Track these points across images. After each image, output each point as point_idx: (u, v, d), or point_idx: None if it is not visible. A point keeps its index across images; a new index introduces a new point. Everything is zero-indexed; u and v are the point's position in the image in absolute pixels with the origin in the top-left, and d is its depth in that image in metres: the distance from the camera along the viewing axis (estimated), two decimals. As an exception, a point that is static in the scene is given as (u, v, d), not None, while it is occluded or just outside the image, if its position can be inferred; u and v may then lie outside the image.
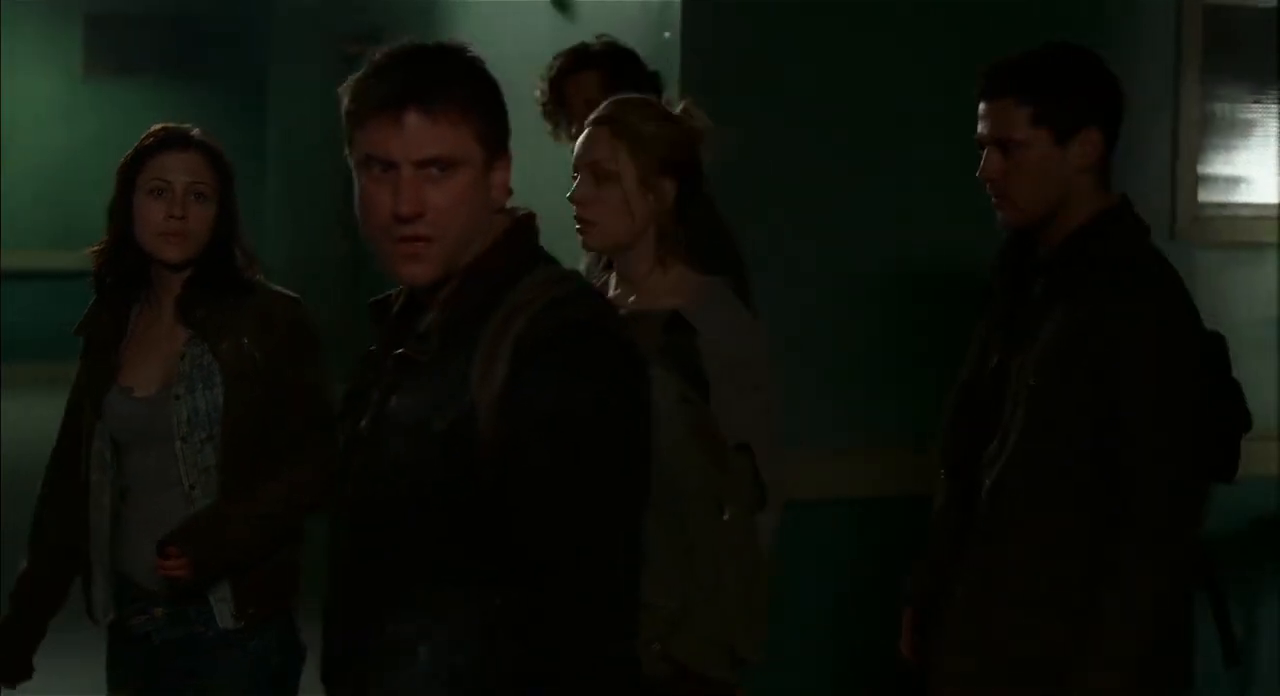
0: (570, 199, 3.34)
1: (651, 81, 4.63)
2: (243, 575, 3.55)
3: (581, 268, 3.63)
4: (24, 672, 3.76)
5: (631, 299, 3.35)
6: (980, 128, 3.24)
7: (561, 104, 4.56)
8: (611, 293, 3.42)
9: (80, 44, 14.03)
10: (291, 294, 3.72)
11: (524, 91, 5.94)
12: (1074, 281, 3.18)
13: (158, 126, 3.67)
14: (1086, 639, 3.10)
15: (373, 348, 2.56)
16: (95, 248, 3.69)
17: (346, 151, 2.40)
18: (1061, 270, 3.21)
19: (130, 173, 3.59)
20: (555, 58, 4.62)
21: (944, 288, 5.15)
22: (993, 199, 3.25)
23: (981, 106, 3.24)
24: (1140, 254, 3.22)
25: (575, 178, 3.37)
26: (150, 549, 3.46)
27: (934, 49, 5.18)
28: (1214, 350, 3.27)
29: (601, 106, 3.42)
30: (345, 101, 2.39)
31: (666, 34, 5.14)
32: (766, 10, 5.11)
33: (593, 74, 4.54)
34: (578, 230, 3.37)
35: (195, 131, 3.64)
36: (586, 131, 3.38)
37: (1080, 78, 3.23)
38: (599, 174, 3.32)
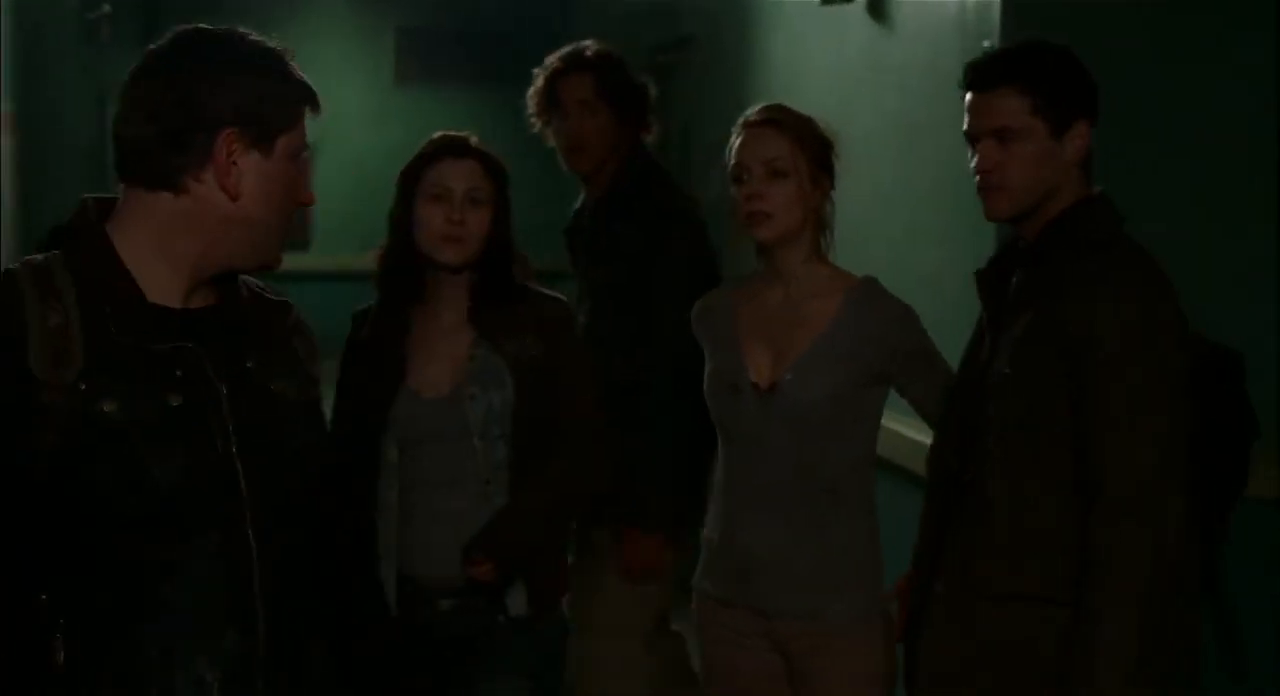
0: (743, 195, 3.58)
1: (642, 90, 4.76)
2: (533, 564, 3.71)
3: (735, 262, 3.80)
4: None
5: (780, 293, 3.63)
6: (973, 120, 3.23)
7: (554, 104, 4.70)
8: (760, 284, 3.67)
9: (392, 54, 14.31)
10: (559, 295, 3.86)
11: (838, 99, 5.88)
12: (1048, 269, 3.16)
13: (437, 134, 3.82)
14: (1078, 635, 3.04)
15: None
16: (377, 251, 3.82)
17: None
18: (1037, 259, 3.19)
19: (411, 179, 3.76)
20: (550, 59, 4.79)
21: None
22: (982, 191, 3.24)
23: (973, 98, 3.23)
24: (1114, 240, 3.17)
25: (738, 176, 3.59)
26: (439, 544, 3.65)
27: (1253, 49, 5.00)
28: (1226, 364, 3.23)
29: (757, 109, 3.66)
30: None
31: (986, 42, 5.05)
32: (1087, 15, 4.97)
33: (587, 76, 4.69)
34: (747, 222, 3.58)
35: (473, 139, 3.79)
36: (751, 130, 3.61)
37: (1072, 71, 3.23)
38: (773, 170, 3.57)
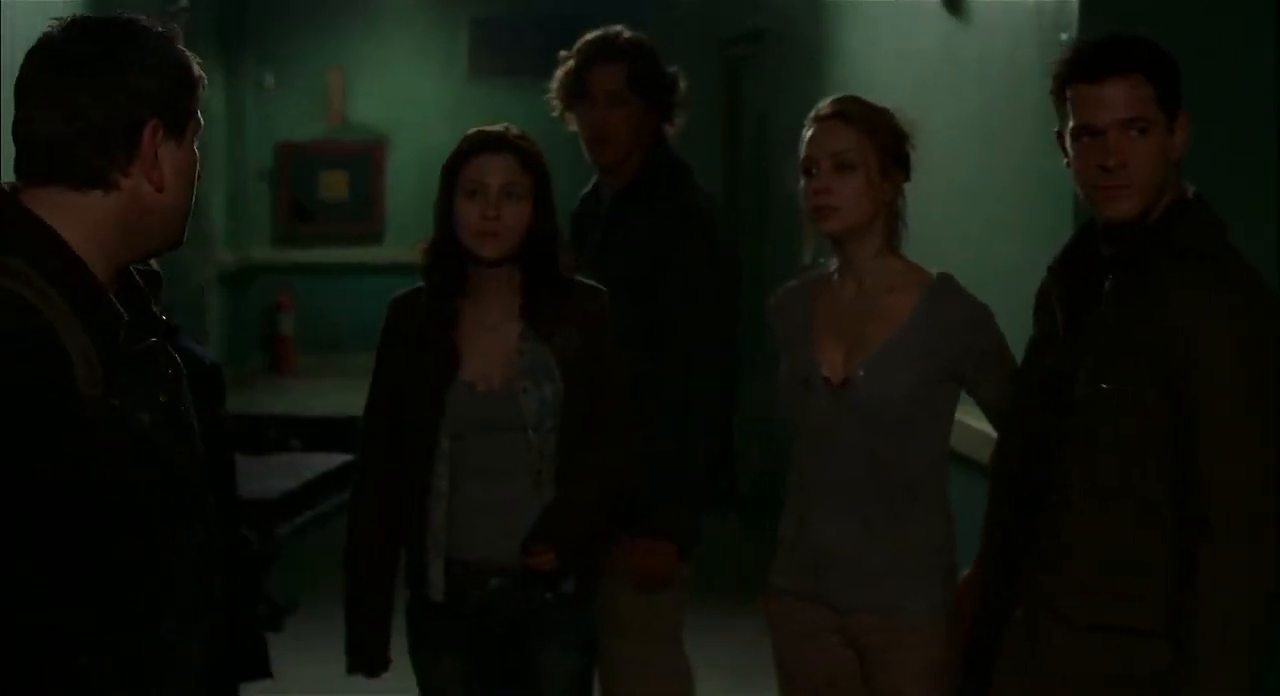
0: (812, 188, 3.57)
1: (672, 80, 4.64)
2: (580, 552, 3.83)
3: (807, 256, 3.74)
4: (381, 656, 3.92)
5: (854, 288, 3.62)
6: (1099, 109, 3.01)
7: (582, 92, 4.56)
8: (834, 280, 3.66)
9: (466, 46, 14.34)
10: (597, 285, 3.90)
11: (913, 93, 5.86)
12: (1147, 279, 3.00)
13: (473, 130, 3.86)
14: (1180, 664, 2.92)
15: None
16: (424, 245, 3.87)
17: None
18: (1133, 266, 3.02)
19: (450, 174, 3.79)
20: (580, 45, 4.63)
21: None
22: (1102, 189, 3.03)
23: (1090, 87, 3.01)
24: (1220, 251, 3.01)
25: (807, 169, 3.58)
26: (489, 530, 3.75)
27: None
28: None
29: (828, 102, 3.63)
30: None
31: (1064, 35, 5.01)
32: (1165, 10, 4.93)
33: (618, 66, 4.56)
34: (815, 215, 3.58)
35: (511, 133, 3.81)
36: (821, 124, 3.59)
37: (1173, 60, 3.07)
38: (841, 163, 3.55)
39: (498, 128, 3.84)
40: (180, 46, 2.30)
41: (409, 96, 14.41)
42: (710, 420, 4.42)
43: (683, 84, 4.68)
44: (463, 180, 3.76)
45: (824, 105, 3.65)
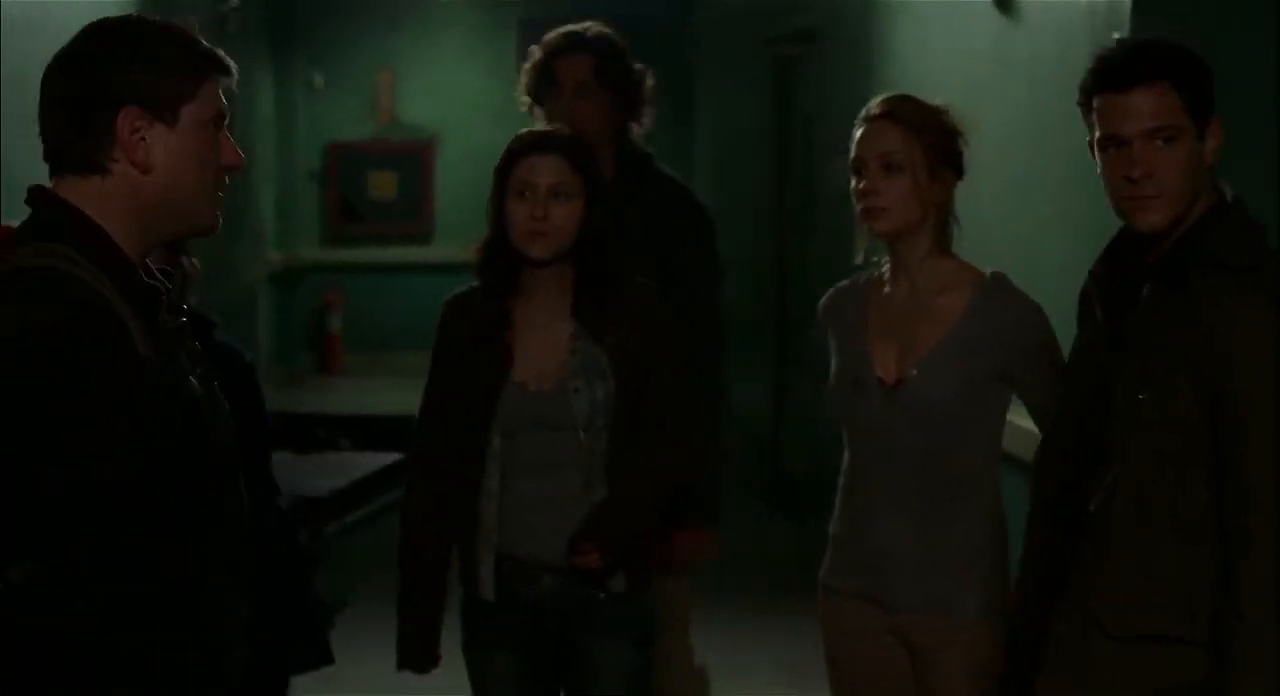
0: (858, 190, 3.57)
1: (639, 76, 4.62)
2: (632, 550, 3.82)
3: (859, 256, 3.74)
4: (431, 653, 3.93)
5: (906, 288, 3.61)
6: (1125, 119, 2.98)
7: (550, 83, 4.56)
8: (886, 279, 3.66)
9: (514, 46, 14.36)
10: (650, 284, 3.91)
11: (964, 93, 5.84)
12: (1186, 287, 2.95)
13: (523, 130, 3.88)
14: (1217, 680, 2.90)
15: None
16: (476, 245, 3.87)
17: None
18: (1173, 274, 2.98)
19: (502, 175, 3.80)
20: (547, 37, 4.63)
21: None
22: (1132, 200, 3.00)
23: (1117, 97, 2.98)
24: (1260, 259, 2.97)
25: (856, 169, 3.58)
26: (540, 528, 3.75)
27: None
28: None
29: (877, 101, 3.63)
30: None
31: (1115, 35, 4.99)
32: (1218, 9, 4.91)
33: (586, 57, 4.55)
34: (864, 216, 3.59)
35: (560, 132, 3.84)
36: (869, 124, 3.59)
37: (1205, 66, 3.02)
38: (889, 164, 3.54)
39: (547, 128, 3.86)
40: (190, 39, 2.43)
41: (458, 96, 14.44)
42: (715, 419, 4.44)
43: (649, 82, 4.67)
44: (512, 181, 3.77)
45: (874, 105, 3.64)
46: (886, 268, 3.69)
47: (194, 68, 2.42)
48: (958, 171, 3.63)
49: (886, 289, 3.68)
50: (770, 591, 7.73)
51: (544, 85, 4.60)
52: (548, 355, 3.79)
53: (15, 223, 2.43)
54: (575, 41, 4.61)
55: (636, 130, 4.66)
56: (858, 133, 3.63)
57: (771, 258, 9.81)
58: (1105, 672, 3.06)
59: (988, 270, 3.66)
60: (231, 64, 2.48)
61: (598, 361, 3.78)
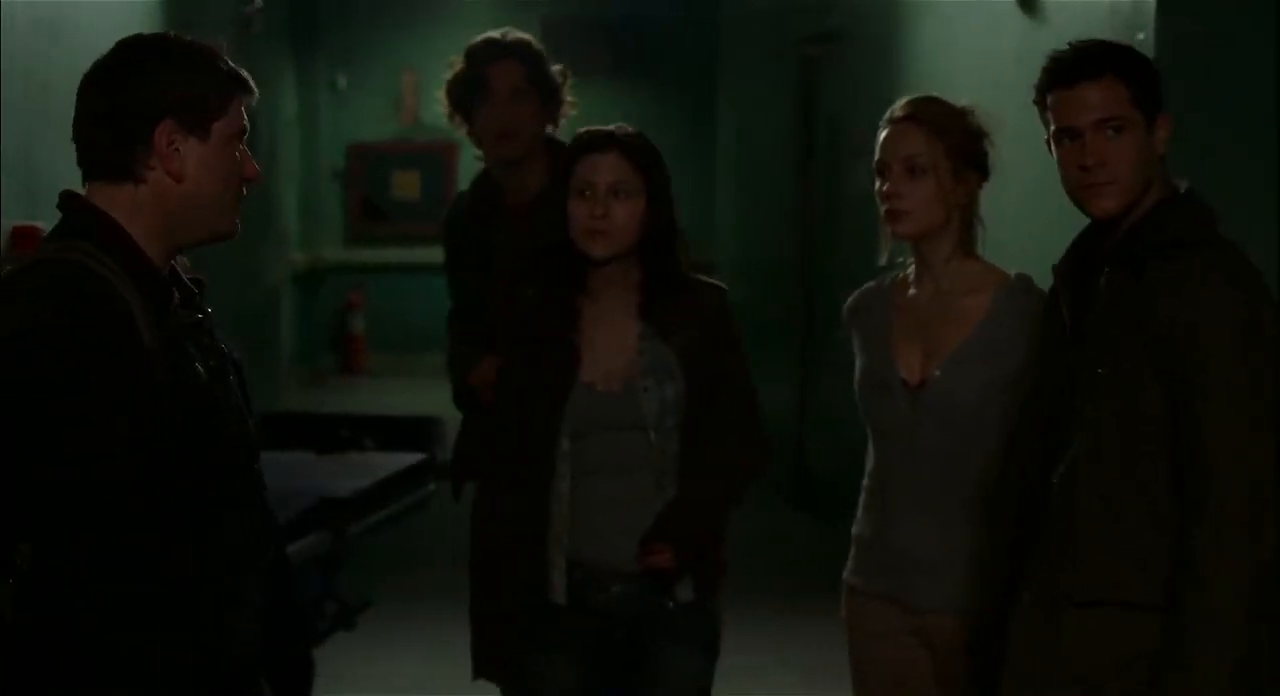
0: (882, 192, 3.58)
1: (560, 77, 4.70)
2: (700, 552, 3.79)
3: (884, 258, 3.74)
4: (510, 659, 3.92)
5: (930, 289, 3.62)
6: (1073, 112, 3.11)
7: (480, 89, 4.62)
8: (911, 281, 3.66)
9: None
10: (718, 283, 3.90)
11: (987, 93, 5.83)
12: (1140, 268, 3.07)
13: (583, 129, 3.85)
14: (1172, 646, 2.97)
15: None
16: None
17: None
18: (1127, 259, 3.09)
19: (564, 175, 3.79)
20: (470, 47, 4.72)
21: None
22: (1086, 188, 3.12)
23: (1068, 92, 3.12)
24: (1208, 239, 3.08)
25: (880, 172, 3.59)
26: (610, 531, 3.72)
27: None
28: None
29: (902, 103, 3.63)
30: None
31: (1140, 35, 4.99)
32: (1241, 9, 4.91)
33: (516, 63, 4.64)
34: (887, 219, 3.59)
35: (617, 131, 3.79)
36: (893, 127, 3.59)
37: (1150, 63, 3.18)
38: (913, 167, 3.55)
39: (608, 126, 3.82)
40: (219, 58, 2.63)
41: (480, 97, 14.44)
42: None
43: (568, 84, 4.74)
44: (573, 179, 3.75)
45: (898, 107, 3.64)
46: (911, 269, 3.69)
47: (224, 86, 2.61)
48: (983, 173, 3.63)
49: (911, 290, 3.68)
50: (794, 592, 7.72)
51: (473, 94, 4.65)
52: (616, 355, 3.77)
53: (26, 222, 2.55)
54: (503, 49, 4.68)
55: (551, 130, 4.72)
56: (882, 135, 3.63)
57: (795, 259, 9.80)
58: (1070, 639, 3.11)
59: (1012, 272, 3.66)
60: (253, 83, 2.67)
61: (666, 360, 3.76)
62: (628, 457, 3.75)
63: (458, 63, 4.71)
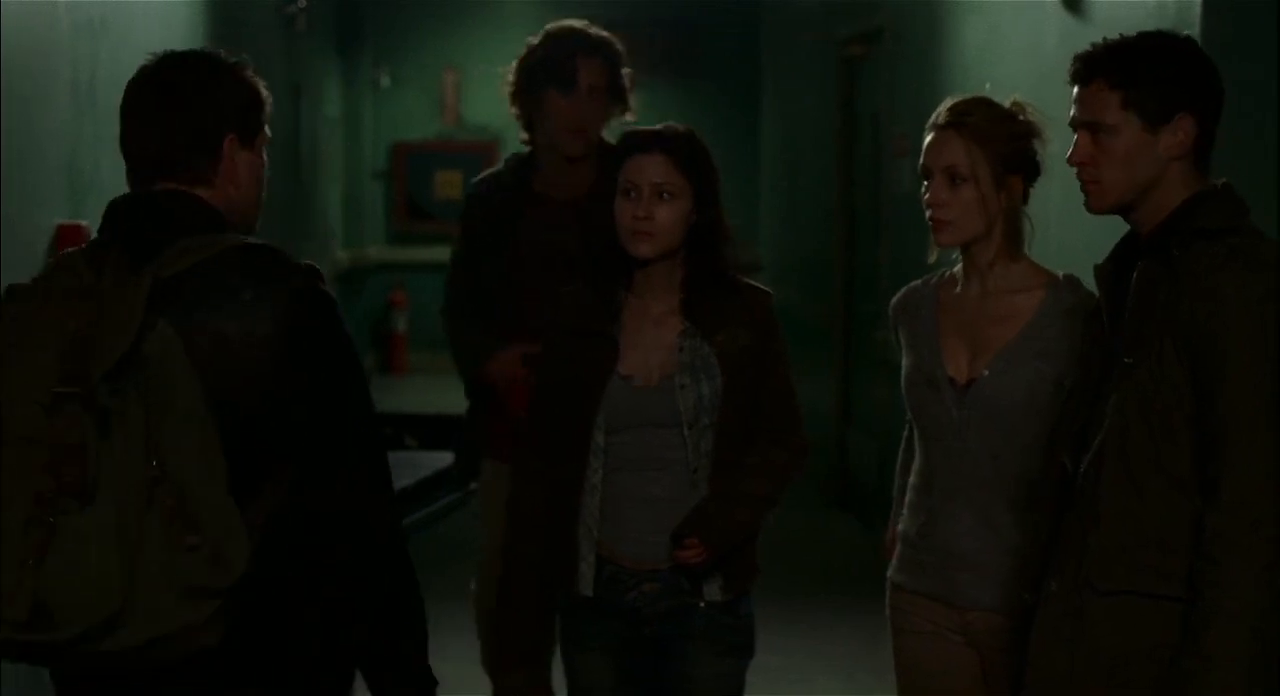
0: (924, 200, 3.60)
1: (629, 81, 4.68)
2: (731, 551, 3.79)
3: (932, 257, 3.75)
4: (531, 659, 3.87)
5: (977, 289, 3.63)
6: (1072, 111, 3.21)
7: (567, 80, 4.58)
8: (959, 279, 3.68)
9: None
10: (765, 288, 3.91)
11: (1031, 93, 5.81)
12: (1166, 261, 3.08)
13: (629, 130, 3.88)
14: (1190, 636, 2.98)
15: None
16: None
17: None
18: (1154, 252, 3.11)
19: (614, 174, 3.80)
20: (560, 31, 4.67)
21: None
22: (1082, 183, 3.21)
23: (1074, 91, 3.21)
24: (1237, 228, 3.10)
25: (925, 177, 3.61)
26: (641, 527, 3.74)
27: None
28: None
29: (945, 107, 3.64)
30: None
31: (1185, 34, 4.95)
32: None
33: (602, 61, 4.61)
34: (931, 226, 3.60)
35: (665, 131, 3.80)
36: (937, 133, 3.60)
37: (1172, 64, 3.18)
38: (954, 176, 3.56)
39: (656, 126, 3.83)
40: (249, 73, 2.92)
41: (523, 98, 14.44)
42: None
43: (633, 88, 4.73)
44: (620, 180, 3.77)
45: (942, 112, 3.64)
46: (959, 267, 3.69)
47: (263, 103, 2.94)
48: (1029, 173, 3.63)
49: (958, 289, 3.68)
50: (835, 592, 7.71)
51: (552, 81, 4.60)
52: (655, 351, 3.79)
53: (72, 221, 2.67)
54: (594, 44, 4.65)
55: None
56: (926, 139, 3.64)
57: (838, 257, 9.78)
58: (1095, 629, 3.12)
59: (1060, 272, 3.65)
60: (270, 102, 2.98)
61: (706, 359, 3.77)
62: (662, 454, 3.76)
63: (542, 47, 4.66)
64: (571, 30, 4.68)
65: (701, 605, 3.79)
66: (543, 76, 4.62)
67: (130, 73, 2.92)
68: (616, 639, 3.83)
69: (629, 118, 4.72)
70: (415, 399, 12.42)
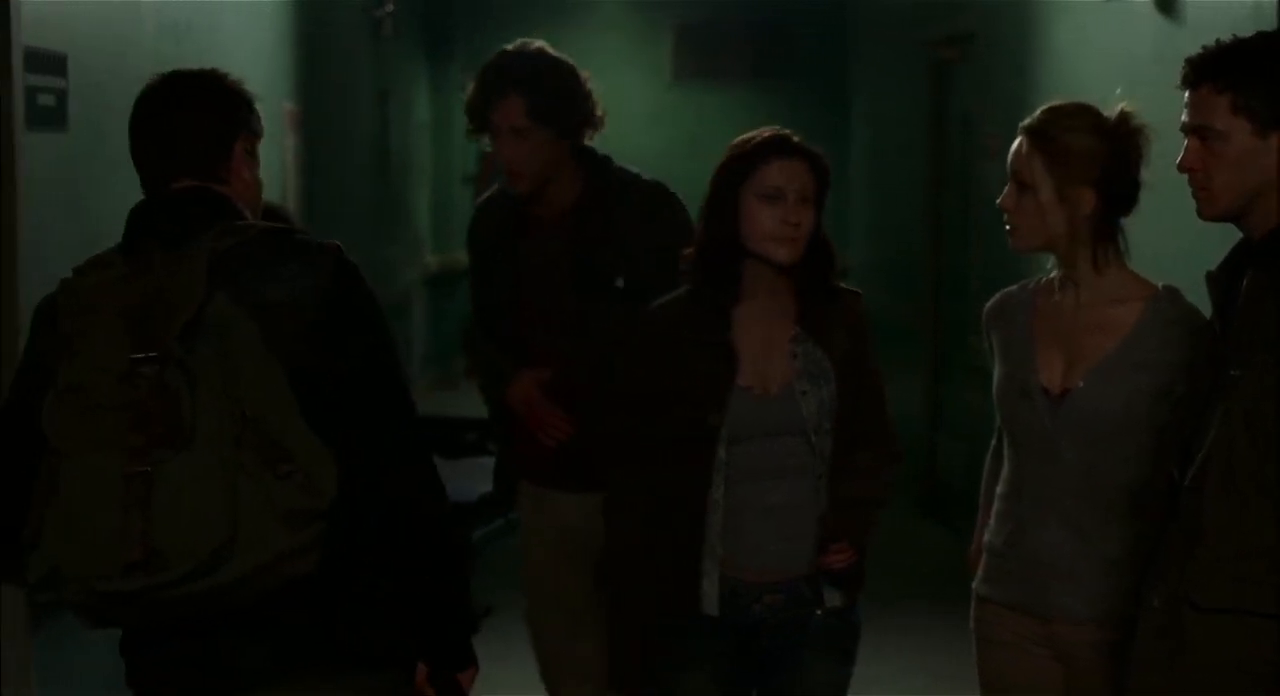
0: (999, 204, 3.59)
1: (583, 100, 4.64)
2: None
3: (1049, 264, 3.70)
4: (648, 669, 3.83)
5: (1073, 298, 3.57)
6: (1183, 116, 3.17)
7: (485, 126, 4.51)
8: (1056, 287, 3.61)
9: (668, 51, 14.36)
10: (856, 290, 3.91)
11: (1125, 95, 5.73)
12: (1277, 268, 3.01)
13: (768, 131, 3.78)
14: None
15: None
16: (689, 248, 3.81)
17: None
18: (1265, 259, 3.04)
19: (737, 176, 3.72)
20: (481, 70, 4.57)
21: None
22: (1192, 190, 3.17)
23: (1185, 95, 3.17)
24: None
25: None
26: (765, 538, 3.70)
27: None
28: None
29: (1036, 114, 3.59)
30: None
31: (1282, 35, 4.86)
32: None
33: (516, 99, 4.47)
34: (1007, 231, 3.60)
35: (797, 138, 3.77)
36: (1019, 137, 3.58)
37: (1265, 72, 3.10)
38: (1020, 182, 3.54)
39: (783, 132, 3.78)
40: (243, 84, 3.17)
41: (612, 101, 14.23)
42: None
43: (598, 100, 4.62)
44: (757, 183, 3.70)
45: (1033, 115, 3.60)
46: (1056, 274, 3.63)
47: (255, 110, 3.19)
48: (1114, 187, 3.54)
49: (1055, 296, 3.63)
50: (923, 599, 7.66)
51: (479, 126, 4.54)
52: (771, 359, 3.75)
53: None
54: (504, 81, 4.49)
55: (589, 135, 4.63)
56: (1014, 143, 3.60)
57: (928, 262, 9.72)
58: (1193, 645, 3.05)
59: (1160, 284, 3.59)
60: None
61: (821, 363, 3.74)
62: (785, 462, 3.72)
63: (472, 85, 4.56)
64: (494, 66, 4.55)
65: (818, 613, 3.76)
66: (475, 120, 4.53)
67: (215, 76, 3.17)
68: (729, 656, 3.77)
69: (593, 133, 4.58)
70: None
